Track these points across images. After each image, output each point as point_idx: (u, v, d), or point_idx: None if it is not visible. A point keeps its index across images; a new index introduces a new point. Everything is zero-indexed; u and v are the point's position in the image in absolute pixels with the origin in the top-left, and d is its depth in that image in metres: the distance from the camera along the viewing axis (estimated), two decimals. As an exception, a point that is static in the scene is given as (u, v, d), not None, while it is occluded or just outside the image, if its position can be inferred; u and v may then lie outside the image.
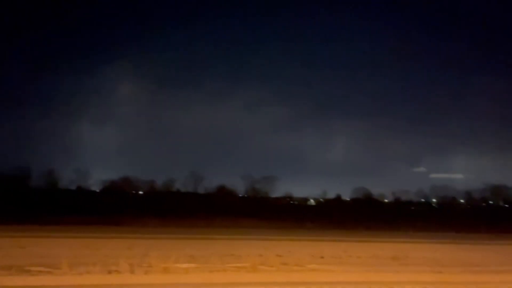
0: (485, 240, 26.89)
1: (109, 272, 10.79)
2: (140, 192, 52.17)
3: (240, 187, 55.87)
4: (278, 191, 59.83)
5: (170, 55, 74.04)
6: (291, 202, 62.51)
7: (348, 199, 65.51)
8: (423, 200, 66.22)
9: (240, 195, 54.16)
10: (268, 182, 54.98)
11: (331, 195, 66.18)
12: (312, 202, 68.59)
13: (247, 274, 11.51)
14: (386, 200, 65.06)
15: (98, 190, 48.38)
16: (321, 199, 67.12)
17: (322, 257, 15.50)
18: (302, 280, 10.58)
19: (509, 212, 54.31)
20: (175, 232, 24.42)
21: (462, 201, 64.19)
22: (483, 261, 16.63)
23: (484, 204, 63.23)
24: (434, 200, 65.98)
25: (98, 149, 58.60)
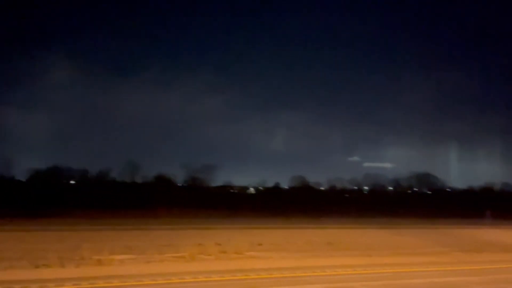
0: (411, 224, 29.00)
1: (37, 266, 10.17)
2: (72, 182, 49.53)
3: (179, 177, 55.14)
4: (218, 180, 59.96)
5: (109, 41, 70.46)
6: (231, 190, 62.92)
7: (286, 187, 67.30)
8: (356, 187, 69.85)
9: (179, 185, 53.48)
10: (207, 171, 54.78)
11: (270, 183, 67.61)
12: (251, 190, 69.55)
13: (185, 263, 11.43)
14: (322, 188, 67.70)
15: (24, 180, 45.24)
16: (261, 188, 68.29)
17: (260, 244, 15.79)
18: (240, 268, 10.71)
19: (432, 198, 58.95)
20: (110, 223, 23.57)
21: (391, 188, 68.62)
22: (408, 244, 17.92)
23: (410, 191, 68.13)
24: (366, 187, 69.85)
25: (26, 136, 54.62)
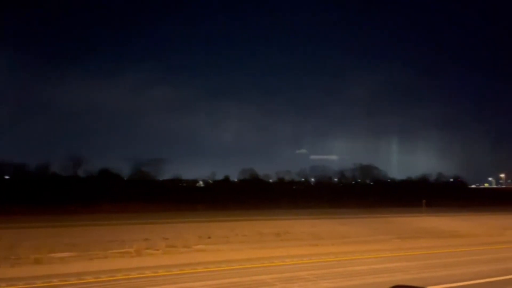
0: (355, 214, 30.23)
1: (-34, 268, 9.43)
2: (6, 177, 46.40)
3: (125, 170, 53.40)
4: (166, 173, 58.84)
5: (51, 26, 66.22)
6: (180, 184, 62.10)
7: (236, 180, 67.58)
8: (303, 179, 71.64)
9: (126, 179, 51.86)
10: (155, 164, 53.53)
11: (219, 176, 67.56)
12: (201, 184, 69.09)
13: (131, 259, 11.12)
14: (271, 180, 68.72)
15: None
16: (210, 181, 68.02)
17: (209, 238, 15.74)
18: (189, 262, 10.61)
19: (374, 189, 61.82)
20: (50, 220, 22.38)
21: (336, 179, 71.09)
22: (352, 233, 18.68)
23: (354, 182, 70.99)
24: (313, 179, 71.84)
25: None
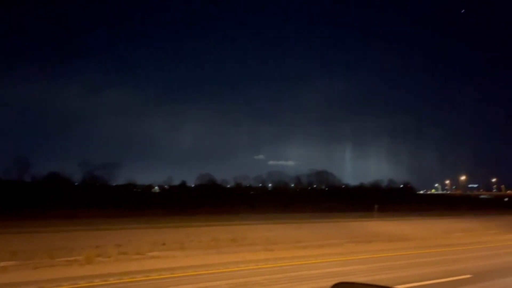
0: (310, 219, 30.71)
1: None
2: None
3: (76, 175, 51.15)
4: (120, 178, 56.95)
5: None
6: (134, 189, 60.36)
7: (192, 185, 66.69)
8: (261, 184, 71.95)
9: (77, 183, 49.72)
10: (108, 169, 51.68)
11: (176, 181, 66.38)
12: (156, 189, 67.53)
13: (80, 267, 10.62)
14: (228, 186, 68.42)
15: None
16: (166, 186, 66.66)
17: (164, 244, 15.36)
18: (141, 269, 10.29)
19: (329, 194, 63.17)
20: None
21: (292, 185, 72.04)
22: (307, 237, 18.93)
23: (309, 187, 72.27)
24: (270, 184, 72.31)
25: None
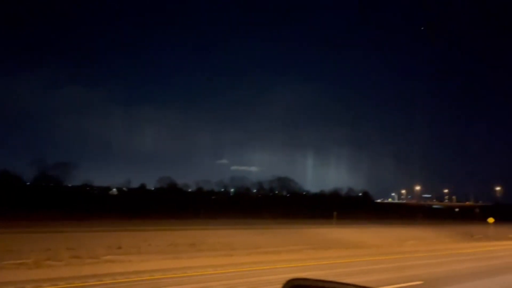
0: (271, 225, 30.86)
1: None
2: None
3: (28, 174, 48.76)
4: (75, 179, 54.77)
5: None
6: (91, 191, 58.37)
7: (152, 188, 65.36)
8: (223, 189, 71.62)
9: (28, 183, 47.43)
10: (63, 169, 49.59)
11: (135, 184, 64.79)
12: (114, 191, 65.60)
13: (28, 271, 10.10)
14: (190, 190, 67.61)
15: None
16: (125, 188, 64.96)
17: (120, 248, 14.92)
18: (95, 273, 9.93)
19: (290, 201, 63.84)
20: None
21: (254, 191, 72.23)
22: (267, 243, 18.99)
23: (271, 193, 72.74)
24: (232, 190, 72.15)
25: None
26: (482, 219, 38.89)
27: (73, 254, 12.64)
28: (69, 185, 51.53)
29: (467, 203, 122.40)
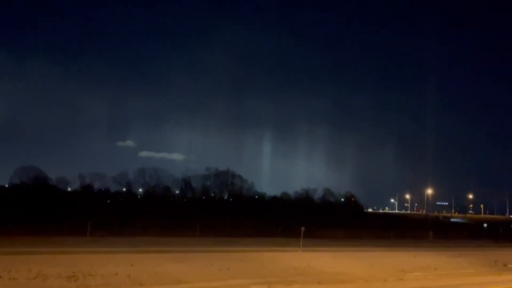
0: (201, 245, 31.10)
1: None
2: None
3: None
4: None
5: None
6: None
7: (6, 185, 63.80)
8: (125, 189, 71.28)
9: None
10: None
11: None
12: None
13: None
14: (70, 189, 66.53)
15: None
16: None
17: None
18: None
19: (234, 208, 64.49)
20: None
21: (177, 191, 72.31)
22: (194, 275, 19.16)
23: (204, 196, 73.14)
24: (140, 189, 71.87)
25: None
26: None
27: None
28: None
29: (501, 216, 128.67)
